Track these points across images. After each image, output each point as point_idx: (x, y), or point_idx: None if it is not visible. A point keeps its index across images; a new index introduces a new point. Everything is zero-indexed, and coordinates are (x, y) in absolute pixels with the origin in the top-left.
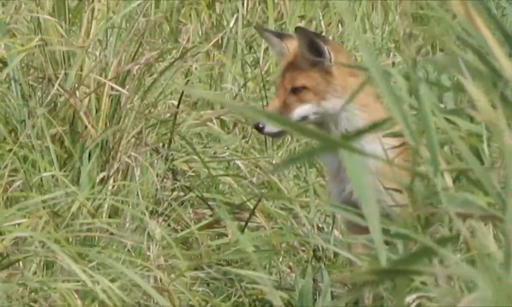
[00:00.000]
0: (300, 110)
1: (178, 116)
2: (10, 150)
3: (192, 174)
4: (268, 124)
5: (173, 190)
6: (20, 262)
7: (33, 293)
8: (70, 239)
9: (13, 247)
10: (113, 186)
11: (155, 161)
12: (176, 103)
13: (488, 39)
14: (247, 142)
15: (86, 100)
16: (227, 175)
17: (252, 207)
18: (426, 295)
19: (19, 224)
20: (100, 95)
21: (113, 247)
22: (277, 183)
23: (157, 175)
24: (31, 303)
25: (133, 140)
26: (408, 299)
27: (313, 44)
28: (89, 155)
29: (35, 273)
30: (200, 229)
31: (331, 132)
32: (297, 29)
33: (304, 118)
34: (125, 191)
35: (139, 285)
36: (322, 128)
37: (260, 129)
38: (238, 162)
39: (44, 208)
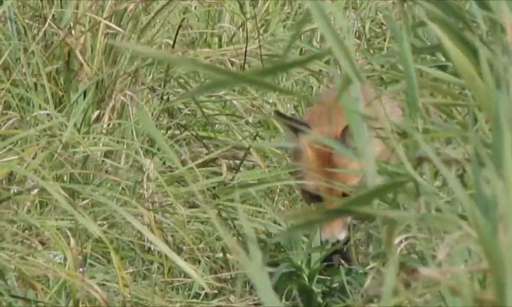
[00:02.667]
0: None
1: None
2: (3, 88)
3: (188, 112)
4: (340, 237)
5: (168, 128)
6: (13, 200)
7: (26, 231)
8: (64, 177)
9: (6, 184)
10: (108, 125)
11: (151, 100)
12: (171, 42)
13: None
14: None
15: (82, 38)
16: (223, 114)
17: (247, 146)
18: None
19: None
20: (95, 33)
21: (107, 186)
22: (273, 122)
23: (152, 114)
24: (24, 241)
25: (129, 78)
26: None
27: None
28: (84, 94)
29: (28, 211)
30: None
31: None
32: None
33: None
34: (120, 130)
35: (132, 224)
36: None
37: (335, 243)
38: (234, 101)
39: (37, 145)
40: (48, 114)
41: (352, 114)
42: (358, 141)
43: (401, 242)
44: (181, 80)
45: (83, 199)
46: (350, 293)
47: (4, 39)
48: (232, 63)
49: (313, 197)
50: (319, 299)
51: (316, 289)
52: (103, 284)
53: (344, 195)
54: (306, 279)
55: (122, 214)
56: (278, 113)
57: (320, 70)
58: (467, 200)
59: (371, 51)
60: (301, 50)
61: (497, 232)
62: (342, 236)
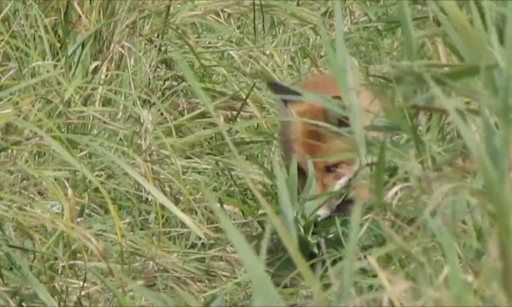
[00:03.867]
0: (338, 187)
1: (172, 7)
2: (2, 40)
3: (186, 64)
4: (321, 213)
5: (166, 79)
6: (11, 150)
7: (24, 181)
8: (62, 128)
9: (4, 135)
10: (106, 76)
11: (149, 51)
12: None
13: None
14: (241, 32)
15: None
16: (220, 66)
17: (244, 97)
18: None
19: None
20: None
21: (104, 137)
22: (270, 73)
23: (150, 65)
24: (22, 191)
25: (127, 30)
26: (390, 193)
27: None
28: (83, 45)
29: (26, 161)
30: (192, 118)
31: None
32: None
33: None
34: (118, 81)
35: (130, 174)
36: None
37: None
38: (232, 52)
39: (35, 96)
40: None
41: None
42: (345, 94)
43: (397, 193)
44: (179, 31)
45: (81, 150)
46: (345, 243)
47: None
48: (230, 15)
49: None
50: (315, 250)
51: (312, 240)
52: (100, 234)
53: (328, 170)
54: (302, 230)
55: (120, 164)
56: (270, 83)
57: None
58: (476, 145)
59: (367, 3)
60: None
61: (504, 181)
62: (322, 212)
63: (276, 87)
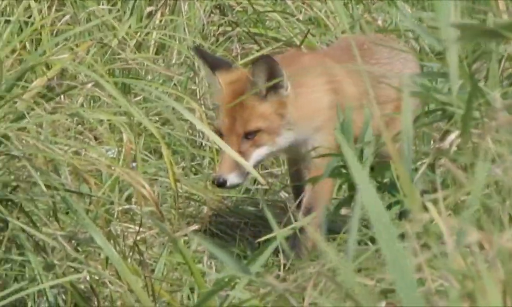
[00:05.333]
0: (257, 155)
1: None
2: None
3: (240, 9)
4: (229, 180)
5: (220, 25)
6: (66, 95)
7: (79, 125)
8: (116, 73)
9: (59, 80)
10: (160, 21)
11: None
12: None
13: None
14: None
15: None
16: (274, 11)
17: (298, 43)
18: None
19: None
20: None
21: (159, 82)
22: (324, 19)
23: (204, 10)
24: (77, 135)
25: None
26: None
27: (272, 75)
28: None
29: (81, 106)
30: (247, 64)
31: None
32: (263, 57)
33: (260, 161)
34: (172, 26)
35: (184, 119)
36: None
37: (222, 184)
38: None
39: (91, 40)
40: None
41: None
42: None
43: (453, 140)
44: None
45: (135, 95)
46: (400, 188)
47: None
48: None
49: (217, 133)
50: None
51: None
52: (155, 179)
53: (246, 136)
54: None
55: (175, 107)
56: (197, 49)
57: None
58: None
59: None
60: None
61: None
62: (231, 178)
63: (202, 53)
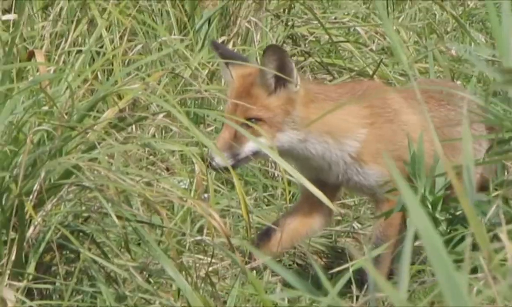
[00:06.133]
0: (253, 145)
1: None
2: (130, 15)
3: (312, 39)
4: (216, 158)
5: (292, 55)
6: (138, 125)
7: (151, 156)
8: (188, 103)
9: (131, 110)
10: (232, 51)
11: (275, 27)
12: None
13: None
14: (368, 7)
15: None
16: (347, 41)
17: (371, 72)
18: None
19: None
20: None
21: None
22: (397, 49)
23: (276, 40)
24: (149, 166)
25: (253, 5)
26: None
27: (282, 67)
28: (209, 20)
29: (153, 136)
30: None
31: (285, 157)
32: (271, 47)
33: (256, 153)
34: (245, 56)
35: None
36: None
37: (210, 164)
38: (358, 28)
39: (162, 70)
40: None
41: None
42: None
43: None
44: (306, 6)
45: (208, 125)
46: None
47: None
48: None
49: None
50: (443, 227)
51: (440, 216)
52: (227, 210)
53: (247, 123)
54: (430, 206)
55: (248, 137)
56: (214, 43)
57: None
58: None
59: None
60: None
61: None
62: (217, 159)
63: (218, 47)
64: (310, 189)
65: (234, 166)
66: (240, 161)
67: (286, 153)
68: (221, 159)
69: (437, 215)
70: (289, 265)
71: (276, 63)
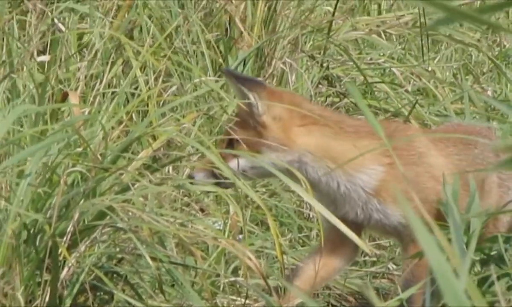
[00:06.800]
0: (234, 164)
1: (334, 23)
2: (164, 56)
3: (348, 80)
4: (196, 176)
5: (328, 96)
6: (172, 166)
7: (185, 197)
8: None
9: (165, 151)
10: None
11: (310, 68)
12: (332, 9)
13: None
14: (403, 48)
15: (242, 6)
16: (383, 82)
17: (406, 113)
18: None
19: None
20: (256, 1)
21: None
22: (433, 90)
23: (312, 81)
24: (184, 207)
25: (288, 46)
26: None
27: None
28: (244, 61)
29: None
30: None
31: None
32: (223, 71)
33: (244, 171)
34: None
35: (292, 191)
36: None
37: (190, 176)
38: (394, 69)
39: (197, 111)
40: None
41: None
42: None
43: None
44: (341, 47)
45: None
46: (508, 261)
47: (165, 7)
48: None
49: None
50: (478, 267)
51: (474, 257)
52: (261, 251)
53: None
54: (464, 246)
55: (282, 179)
56: (228, 71)
57: (479, 40)
58: None
59: None
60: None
61: None
62: (197, 175)
63: (234, 74)
64: (331, 221)
65: (218, 185)
66: (225, 179)
67: (291, 174)
68: (201, 175)
69: (472, 256)
70: (325, 306)
71: (235, 88)
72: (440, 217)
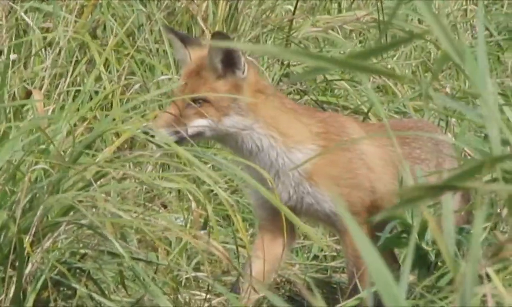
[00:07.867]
0: (197, 125)
1: (294, 21)
2: (127, 54)
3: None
4: (156, 134)
5: (288, 93)
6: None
7: (148, 193)
8: None
9: (128, 147)
10: None
11: (271, 65)
12: (292, 8)
13: None
14: (363, 46)
15: (204, 5)
16: (342, 79)
17: (366, 110)
18: None
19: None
20: (217, 0)
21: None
22: (392, 87)
23: (272, 79)
24: (146, 203)
25: (249, 44)
26: None
27: (229, 53)
28: None
29: (150, 173)
30: None
31: (231, 147)
32: (216, 34)
33: (200, 134)
34: None
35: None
36: (220, 143)
37: (147, 133)
38: None
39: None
40: (169, 79)
41: None
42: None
43: None
44: (301, 45)
45: (205, 163)
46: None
47: (128, 6)
48: (351, 31)
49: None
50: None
51: (428, 247)
52: (224, 246)
53: (189, 105)
54: (417, 237)
55: (243, 177)
56: (167, 27)
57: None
58: None
59: (489, 18)
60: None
61: None
62: (160, 132)
63: (172, 30)
64: (265, 195)
65: (177, 142)
66: (183, 139)
67: (231, 140)
68: (163, 132)
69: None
70: (285, 300)
71: (223, 51)
72: (376, 207)
